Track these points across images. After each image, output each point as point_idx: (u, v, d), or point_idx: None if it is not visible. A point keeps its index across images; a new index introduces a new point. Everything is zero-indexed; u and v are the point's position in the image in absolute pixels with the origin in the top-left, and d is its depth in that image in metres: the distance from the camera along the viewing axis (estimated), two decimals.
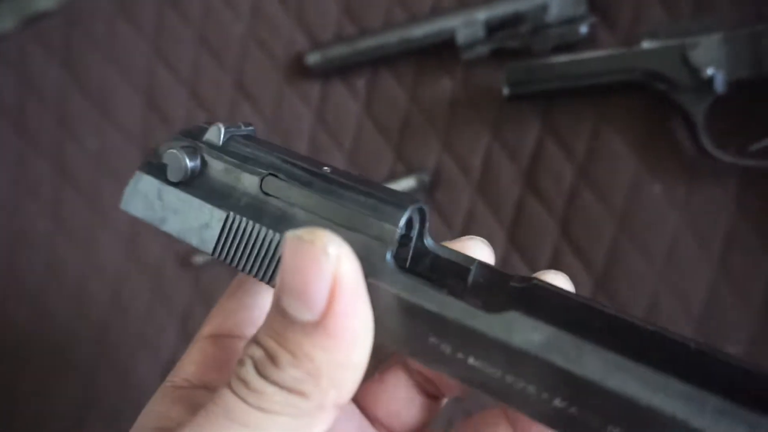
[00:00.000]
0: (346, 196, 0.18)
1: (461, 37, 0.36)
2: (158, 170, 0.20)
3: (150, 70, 0.41)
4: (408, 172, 0.39)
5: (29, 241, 0.43)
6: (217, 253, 0.19)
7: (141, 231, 0.42)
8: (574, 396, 0.14)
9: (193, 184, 0.20)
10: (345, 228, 0.17)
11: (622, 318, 0.16)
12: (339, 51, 0.38)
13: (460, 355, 0.15)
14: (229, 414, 0.15)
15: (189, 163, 0.20)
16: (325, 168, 0.19)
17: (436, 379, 0.20)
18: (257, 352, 0.15)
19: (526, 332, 0.15)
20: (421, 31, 0.37)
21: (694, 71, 0.31)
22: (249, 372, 0.15)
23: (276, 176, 0.19)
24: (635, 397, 0.13)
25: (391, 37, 0.37)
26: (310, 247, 0.15)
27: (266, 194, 0.19)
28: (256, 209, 0.19)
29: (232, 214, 0.19)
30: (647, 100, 0.34)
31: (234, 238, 0.19)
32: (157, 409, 0.19)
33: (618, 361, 0.14)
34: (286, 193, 0.18)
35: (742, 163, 0.32)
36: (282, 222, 0.18)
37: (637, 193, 0.35)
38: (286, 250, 0.15)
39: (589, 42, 0.34)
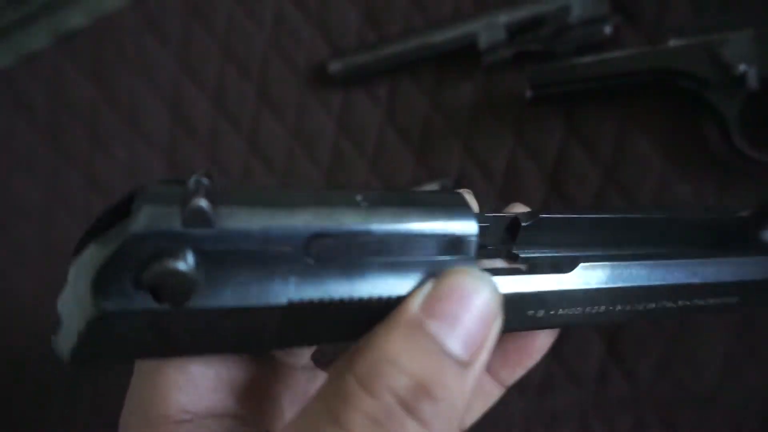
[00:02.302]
0: (406, 227, 0.15)
1: (483, 41, 0.35)
2: (130, 296, 0.13)
3: (176, 83, 0.42)
4: (430, 178, 0.38)
5: (61, 254, 0.44)
6: (279, 348, 0.16)
7: None
8: (630, 299, 0.19)
9: (203, 292, 0.14)
10: (426, 261, 0.16)
11: (609, 217, 0.21)
12: (360, 59, 0.38)
13: (551, 312, 0.18)
14: None
15: (191, 271, 0.13)
16: (357, 197, 0.16)
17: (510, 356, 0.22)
18: (402, 381, 0.14)
19: (594, 276, 0.19)
20: (441, 36, 0.37)
21: (725, 68, 0.30)
22: (392, 404, 0.14)
23: (323, 234, 0.15)
24: (671, 283, 0.19)
25: (411, 44, 0.37)
26: (486, 291, 0.15)
27: (319, 260, 0.15)
28: (314, 284, 0.15)
29: (289, 302, 0.14)
30: (674, 100, 0.33)
31: (299, 324, 0.15)
32: None
33: (648, 265, 0.19)
34: (344, 249, 0.15)
35: None
36: (352, 280, 0.15)
37: (666, 194, 0.34)
38: (453, 287, 0.15)
39: (614, 42, 0.34)
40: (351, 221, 0.15)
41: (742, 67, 0.30)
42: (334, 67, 0.39)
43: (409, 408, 0.14)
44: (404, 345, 0.15)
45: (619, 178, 0.35)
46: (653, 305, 0.20)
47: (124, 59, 0.43)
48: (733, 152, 0.32)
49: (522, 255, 0.20)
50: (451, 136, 0.38)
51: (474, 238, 0.16)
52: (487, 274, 0.16)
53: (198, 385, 0.17)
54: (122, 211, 0.14)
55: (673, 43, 0.32)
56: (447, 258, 0.16)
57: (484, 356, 0.16)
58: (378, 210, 0.15)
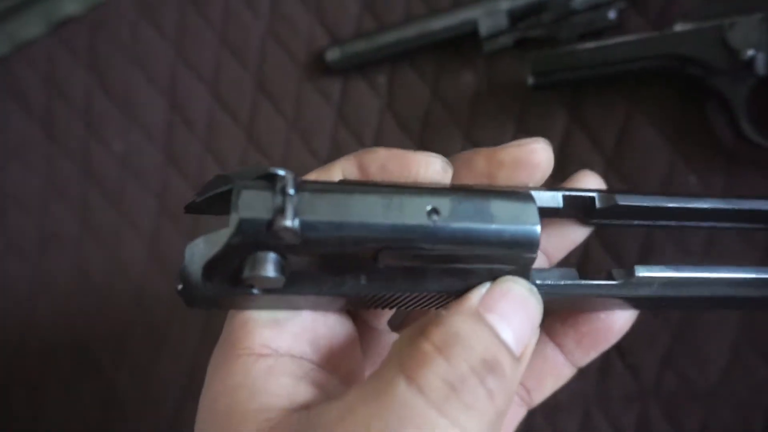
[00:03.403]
0: (471, 245, 0.17)
1: (483, 28, 0.35)
2: (230, 284, 0.16)
3: (172, 72, 0.42)
4: None
5: (57, 242, 0.44)
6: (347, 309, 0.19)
7: (164, 231, 0.42)
8: (679, 304, 0.21)
9: (288, 283, 0.17)
10: (485, 269, 0.18)
11: (690, 208, 0.21)
12: (358, 47, 0.38)
13: (599, 306, 0.20)
14: (422, 413, 0.15)
15: (280, 276, 0.16)
16: (428, 207, 0.16)
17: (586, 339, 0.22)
18: (474, 355, 0.16)
19: (648, 286, 0.19)
20: (441, 23, 0.36)
21: (733, 53, 0.29)
22: (466, 372, 0.16)
23: (390, 248, 0.16)
24: (723, 295, 0.20)
25: (411, 31, 0.37)
26: (533, 301, 0.18)
27: (387, 265, 0.17)
28: (381, 282, 0.17)
29: (356, 293, 0.17)
30: (681, 86, 0.33)
31: (366, 300, 0.18)
32: (248, 383, 0.17)
33: (708, 280, 0.20)
34: (410, 259, 0.17)
35: None
36: (416, 280, 0.17)
37: (672, 184, 0.33)
38: (507, 291, 0.17)
39: (619, 28, 0.33)
40: (419, 238, 0.16)
41: (749, 52, 0.29)
42: (332, 55, 0.38)
43: (480, 378, 0.16)
44: (469, 328, 0.16)
45: (624, 167, 0.34)
46: (704, 305, 0.22)
47: (120, 48, 0.42)
48: (741, 140, 0.31)
49: (594, 221, 0.21)
50: (452, 125, 0.37)
51: (533, 257, 0.18)
52: (534, 288, 0.18)
53: (283, 326, 0.19)
54: (224, 196, 0.16)
55: (678, 27, 0.31)
56: (504, 267, 0.18)
57: (527, 357, 0.17)
58: (445, 228, 0.16)
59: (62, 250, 0.43)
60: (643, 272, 0.19)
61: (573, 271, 0.19)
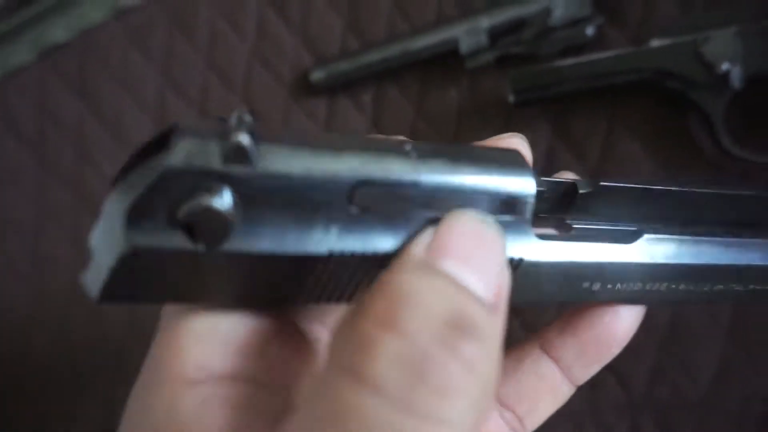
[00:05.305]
0: (458, 181, 0.14)
1: (464, 45, 0.35)
2: (164, 233, 0.12)
3: (161, 96, 0.42)
4: None
5: (52, 266, 0.44)
6: (314, 302, 0.15)
7: None
8: (695, 277, 0.18)
9: (239, 235, 0.13)
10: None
11: (678, 191, 0.18)
12: (343, 66, 0.38)
13: (609, 287, 0.17)
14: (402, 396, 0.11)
15: (229, 210, 0.12)
16: (407, 147, 0.15)
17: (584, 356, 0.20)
18: (436, 319, 0.12)
19: (659, 250, 0.17)
20: (424, 42, 0.36)
21: (709, 67, 0.30)
22: (428, 344, 0.12)
23: (370, 183, 0.14)
24: (738, 263, 0.18)
25: (394, 50, 0.37)
26: (492, 232, 0.14)
27: (363, 210, 0.14)
28: (356, 234, 0.14)
29: (330, 252, 0.14)
30: (661, 100, 0.33)
31: (338, 276, 0.14)
32: (179, 420, 0.14)
33: (720, 243, 0.18)
34: (390, 200, 0.14)
35: (765, 161, 0.30)
36: (397, 233, 0.14)
37: None
38: (459, 225, 0.14)
39: (597, 43, 0.33)
40: (399, 171, 0.14)
41: (724, 66, 0.29)
42: (317, 75, 0.38)
43: (450, 348, 0.12)
44: (422, 285, 0.13)
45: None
46: (721, 287, 0.18)
47: (109, 73, 0.43)
48: (722, 152, 0.31)
49: (576, 225, 0.18)
50: (437, 142, 0.38)
51: (531, 200, 0.15)
52: (489, 218, 0.14)
53: (223, 340, 0.15)
54: (161, 144, 0.13)
55: (656, 43, 0.31)
56: (499, 218, 0.15)
57: (503, 304, 0.14)
58: (429, 161, 0.14)
59: (58, 272, 0.44)
60: (650, 233, 0.17)
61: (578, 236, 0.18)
